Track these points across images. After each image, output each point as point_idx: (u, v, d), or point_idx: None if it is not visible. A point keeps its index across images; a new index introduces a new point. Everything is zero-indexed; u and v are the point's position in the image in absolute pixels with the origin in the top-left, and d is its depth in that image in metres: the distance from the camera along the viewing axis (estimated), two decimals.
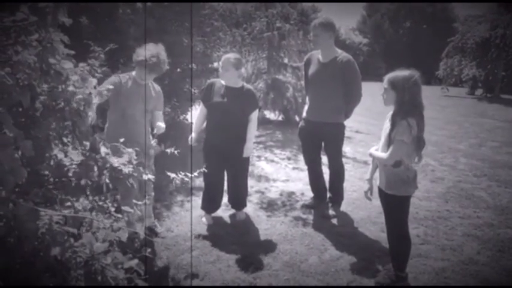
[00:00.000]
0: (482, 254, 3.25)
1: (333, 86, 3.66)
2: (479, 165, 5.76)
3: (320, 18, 3.81)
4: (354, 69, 3.65)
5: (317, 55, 3.82)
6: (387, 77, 2.55)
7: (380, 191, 2.76)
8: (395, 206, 2.68)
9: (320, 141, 3.95)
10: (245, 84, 3.64)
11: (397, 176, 2.58)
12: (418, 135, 2.46)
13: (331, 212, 3.93)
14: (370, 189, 2.86)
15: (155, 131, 3.23)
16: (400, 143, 2.47)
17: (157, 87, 3.35)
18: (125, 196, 2.09)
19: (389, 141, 2.52)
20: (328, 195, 4.06)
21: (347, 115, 3.83)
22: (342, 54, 3.69)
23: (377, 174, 2.82)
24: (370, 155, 2.76)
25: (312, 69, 3.84)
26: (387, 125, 2.62)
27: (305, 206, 4.13)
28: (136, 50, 3.11)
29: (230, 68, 3.43)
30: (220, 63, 3.50)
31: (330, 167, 3.98)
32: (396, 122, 2.49)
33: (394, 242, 2.79)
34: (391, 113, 2.64)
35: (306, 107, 3.98)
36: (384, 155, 2.57)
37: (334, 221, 3.85)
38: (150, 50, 3.02)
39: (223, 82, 3.55)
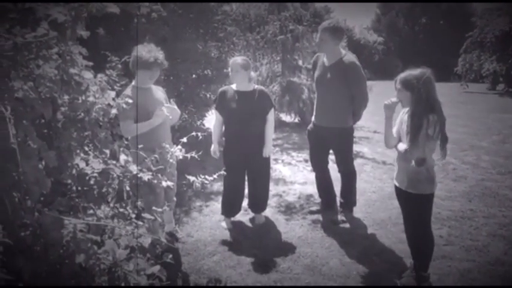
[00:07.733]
0: (509, 254, 3.16)
1: (338, 90, 3.53)
2: (503, 162, 5.60)
3: (330, 21, 3.56)
4: (357, 72, 3.47)
5: (322, 57, 3.69)
6: (399, 78, 2.55)
7: (399, 190, 2.72)
8: (417, 204, 2.64)
9: (328, 146, 3.84)
10: (256, 86, 3.65)
11: (419, 175, 2.56)
12: (441, 130, 2.45)
13: (340, 217, 3.83)
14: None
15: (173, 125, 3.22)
16: (425, 138, 2.44)
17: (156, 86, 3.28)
18: (149, 203, 2.10)
19: (414, 137, 2.47)
20: (340, 200, 3.94)
21: (355, 119, 3.69)
22: (345, 56, 3.52)
23: (394, 173, 2.78)
24: (401, 150, 2.64)
25: (317, 73, 3.74)
26: (404, 123, 2.60)
27: (311, 212, 4.03)
28: (134, 55, 2.93)
29: (239, 69, 3.45)
30: (229, 67, 3.54)
31: (340, 172, 3.85)
32: (416, 120, 2.45)
33: (416, 242, 2.75)
34: (404, 110, 2.63)
35: (314, 111, 3.90)
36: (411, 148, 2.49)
37: (354, 223, 3.80)
38: (145, 50, 2.91)
39: (234, 88, 3.58)
